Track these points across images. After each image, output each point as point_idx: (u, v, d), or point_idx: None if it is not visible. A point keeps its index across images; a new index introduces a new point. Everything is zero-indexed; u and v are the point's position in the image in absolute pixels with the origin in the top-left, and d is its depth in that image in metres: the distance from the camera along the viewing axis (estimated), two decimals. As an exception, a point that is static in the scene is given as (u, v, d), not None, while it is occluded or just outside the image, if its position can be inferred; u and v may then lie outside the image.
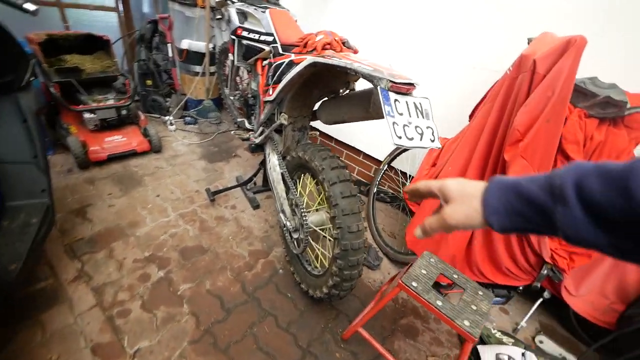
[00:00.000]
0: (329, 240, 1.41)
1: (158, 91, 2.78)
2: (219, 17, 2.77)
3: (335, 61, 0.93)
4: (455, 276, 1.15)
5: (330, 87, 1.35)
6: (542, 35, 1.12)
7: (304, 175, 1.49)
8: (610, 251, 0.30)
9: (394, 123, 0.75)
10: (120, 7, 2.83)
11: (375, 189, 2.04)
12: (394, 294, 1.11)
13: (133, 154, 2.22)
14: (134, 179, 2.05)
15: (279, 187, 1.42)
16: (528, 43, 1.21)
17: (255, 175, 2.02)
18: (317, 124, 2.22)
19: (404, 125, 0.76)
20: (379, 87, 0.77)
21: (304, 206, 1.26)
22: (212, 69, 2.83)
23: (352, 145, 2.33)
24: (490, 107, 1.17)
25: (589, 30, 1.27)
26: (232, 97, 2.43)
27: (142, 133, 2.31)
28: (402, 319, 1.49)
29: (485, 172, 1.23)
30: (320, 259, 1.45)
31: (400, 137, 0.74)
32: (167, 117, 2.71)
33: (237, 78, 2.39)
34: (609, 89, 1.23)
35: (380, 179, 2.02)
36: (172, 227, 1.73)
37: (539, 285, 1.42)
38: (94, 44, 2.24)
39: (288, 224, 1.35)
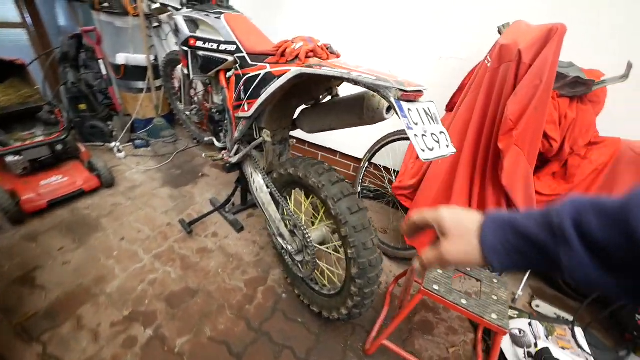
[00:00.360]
0: (332, 254, 1.34)
1: (96, 115, 2.42)
2: (156, 24, 2.49)
3: (327, 71, 0.84)
4: (468, 268, 1.16)
5: (311, 95, 1.25)
6: (516, 24, 1.14)
7: (294, 192, 1.39)
8: (624, 295, 0.28)
9: (415, 136, 0.69)
10: (29, 22, 2.39)
11: (359, 187, 2.01)
12: (417, 301, 1.08)
13: (80, 194, 1.90)
14: (88, 224, 1.75)
15: (271, 209, 1.30)
16: (499, 32, 1.23)
17: (232, 195, 1.85)
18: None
19: (423, 136, 0.71)
20: (392, 99, 0.71)
21: (304, 226, 1.16)
22: (158, 82, 2.54)
23: (326, 146, 2.27)
24: (474, 97, 1.18)
25: (546, 15, 1.34)
26: (187, 113, 2.20)
27: (87, 168, 1.99)
28: (415, 316, 1.48)
29: (477, 161, 1.25)
30: (328, 276, 1.37)
31: (424, 151, 0.69)
32: (112, 144, 2.38)
33: (192, 91, 2.17)
34: (569, 67, 1.31)
35: (363, 176, 1.99)
36: (150, 273, 1.51)
37: None
38: (2, 70, 1.85)
39: (290, 247, 1.25)
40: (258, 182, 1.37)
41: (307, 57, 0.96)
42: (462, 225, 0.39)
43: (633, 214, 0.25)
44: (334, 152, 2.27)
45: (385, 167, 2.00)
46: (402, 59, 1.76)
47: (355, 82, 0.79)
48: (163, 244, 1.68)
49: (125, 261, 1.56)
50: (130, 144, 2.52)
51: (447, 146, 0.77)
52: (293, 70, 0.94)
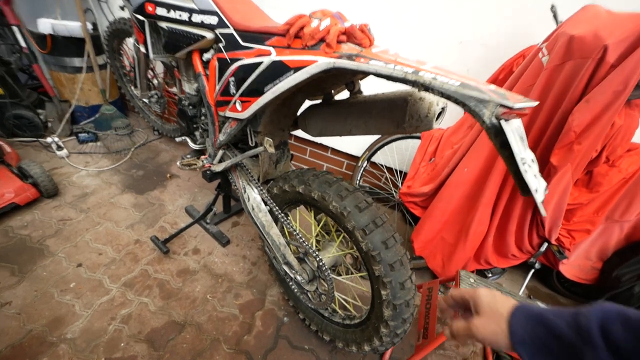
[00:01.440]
0: (345, 281, 1.19)
1: (20, 102, 1.90)
2: (90, -18, 1.95)
3: (382, 68, 0.60)
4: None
5: (322, 89, 1.00)
6: (590, 9, 0.93)
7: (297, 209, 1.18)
8: None
9: (527, 169, 0.51)
10: None
11: (355, 186, 1.84)
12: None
13: (14, 208, 1.50)
14: (29, 249, 1.39)
15: (274, 233, 1.08)
16: (554, 17, 1.04)
17: (213, 203, 1.58)
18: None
19: (525, 171, 0.53)
20: (487, 118, 0.50)
21: (319, 256, 0.97)
22: (101, 59, 2.05)
23: (316, 141, 2.03)
24: None
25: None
26: (145, 100, 1.81)
27: (16, 174, 1.56)
28: (425, 326, 1.42)
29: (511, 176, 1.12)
30: (339, 301, 1.22)
31: (537, 191, 0.52)
32: (49, 139, 1.91)
33: (149, 72, 1.77)
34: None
35: (361, 177, 1.82)
36: (121, 307, 1.25)
37: (535, 261, 1.48)
38: None
39: (299, 278, 1.06)
40: (254, 198, 1.13)
41: (338, 41, 0.71)
42: (496, 307, 0.43)
43: None
44: (324, 147, 2.05)
45: (387, 167, 1.83)
46: (412, 40, 1.50)
47: (427, 88, 0.56)
48: (134, 268, 1.39)
49: (87, 294, 1.26)
50: (73, 137, 2.06)
51: (542, 178, 0.60)
52: (322, 64, 0.68)
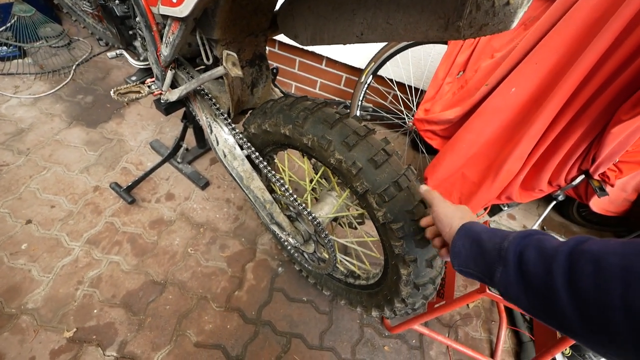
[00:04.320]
0: (353, 245, 0.98)
1: None
2: None
3: None
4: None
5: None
6: None
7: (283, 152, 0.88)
8: (529, 310, 0.36)
9: None
10: None
11: (359, 110, 1.50)
12: (472, 299, 0.82)
13: None
14: (-40, 204, 1.14)
15: (255, 187, 0.81)
16: None
17: (181, 139, 1.27)
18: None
19: None
20: None
21: (313, 215, 0.73)
22: None
23: (308, 49, 1.58)
24: (597, 21, 0.64)
25: None
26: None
27: None
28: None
29: (581, 92, 0.79)
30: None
31: None
32: (-45, 56, 1.45)
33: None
34: None
35: (364, 94, 1.46)
36: (88, 268, 1.07)
37: (561, 193, 1.30)
38: None
39: (292, 240, 0.85)
40: (224, 140, 0.82)
41: None
42: (450, 221, 0.50)
43: (557, 258, 0.32)
44: (317, 57, 1.61)
45: (399, 83, 1.45)
46: None
47: None
48: (96, 222, 1.18)
49: (44, 256, 1.07)
50: (-10, 52, 1.57)
51: None
52: None
